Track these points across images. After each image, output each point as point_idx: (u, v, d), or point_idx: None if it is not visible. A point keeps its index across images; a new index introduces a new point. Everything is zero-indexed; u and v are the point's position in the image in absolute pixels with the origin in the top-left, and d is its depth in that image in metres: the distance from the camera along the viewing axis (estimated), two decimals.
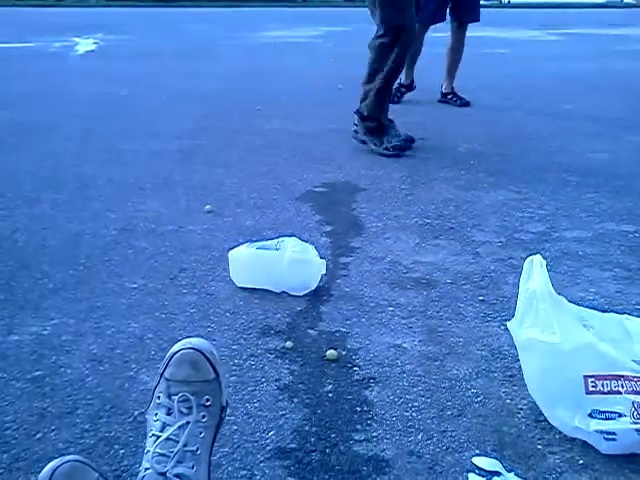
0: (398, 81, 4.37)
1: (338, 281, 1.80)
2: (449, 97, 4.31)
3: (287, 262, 1.70)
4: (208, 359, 1.03)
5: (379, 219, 2.26)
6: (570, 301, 1.29)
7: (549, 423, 1.21)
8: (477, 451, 1.15)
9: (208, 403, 1.00)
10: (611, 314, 1.33)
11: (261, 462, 1.12)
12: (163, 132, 3.53)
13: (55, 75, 5.71)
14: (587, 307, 1.63)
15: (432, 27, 4.18)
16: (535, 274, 1.24)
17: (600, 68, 5.99)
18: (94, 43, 8.21)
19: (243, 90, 4.97)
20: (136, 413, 1.23)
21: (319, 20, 11.72)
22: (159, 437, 0.96)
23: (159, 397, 1.00)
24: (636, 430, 1.11)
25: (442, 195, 2.50)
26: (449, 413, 1.25)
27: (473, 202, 2.43)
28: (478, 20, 4.23)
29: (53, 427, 1.20)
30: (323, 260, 1.76)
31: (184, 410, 0.98)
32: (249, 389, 1.32)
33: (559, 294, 1.25)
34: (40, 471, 0.89)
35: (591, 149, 3.16)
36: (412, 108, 4.28)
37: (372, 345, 1.48)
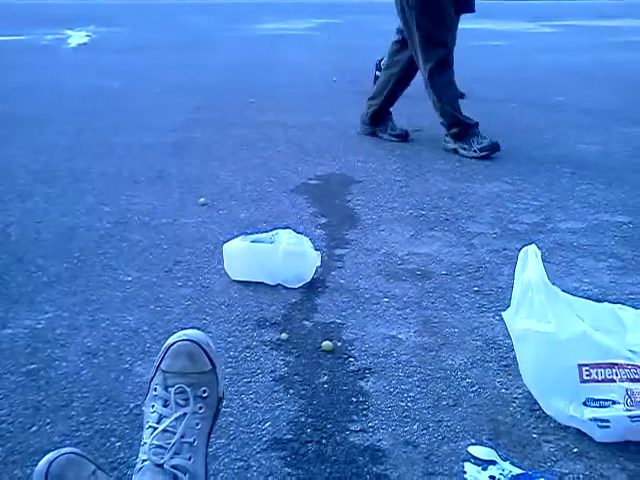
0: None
1: (333, 273, 1.80)
2: None
3: (282, 254, 1.70)
4: (205, 350, 1.03)
5: (374, 211, 2.26)
6: (564, 291, 1.30)
7: (544, 412, 1.22)
8: (473, 440, 1.15)
9: (205, 394, 1.00)
10: (605, 304, 1.34)
11: (257, 453, 1.12)
12: (156, 125, 3.51)
13: (47, 68, 5.66)
14: (581, 297, 1.64)
15: None
16: (530, 264, 1.25)
17: (594, 60, 5.99)
18: (87, 36, 8.15)
19: (237, 82, 4.95)
20: (132, 405, 1.23)
21: (313, 12, 11.67)
22: (156, 429, 0.96)
23: (156, 389, 1.00)
24: (629, 417, 1.12)
25: (437, 187, 2.50)
26: (444, 403, 1.26)
27: (468, 194, 2.44)
28: (473, 11, 4.21)
29: (48, 420, 1.20)
30: (318, 252, 1.76)
31: (181, 402, 0.98)
32: (245, 381, 1.32)
33: (554, 284, 1.26)
34: (36, 464, 0.89)
35: (585, 141, 3.17)
36: (407, 100, 4.27)
37: (367, 336, 1.49)
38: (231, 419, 1.20)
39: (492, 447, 1.14)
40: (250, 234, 1.83)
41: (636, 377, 1.16)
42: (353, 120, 3.65)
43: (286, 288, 1.71)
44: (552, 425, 1.19)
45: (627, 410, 1.13)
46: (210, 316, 1.57)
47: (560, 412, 1.19)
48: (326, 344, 1.43)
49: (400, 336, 1.49)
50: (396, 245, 1.98)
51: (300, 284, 1.72)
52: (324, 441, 1.15)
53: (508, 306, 1.26)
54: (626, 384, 1.15)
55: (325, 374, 1.35)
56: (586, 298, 1.63)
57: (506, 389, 1.30)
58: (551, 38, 7.99)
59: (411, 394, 1.28)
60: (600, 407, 1.14)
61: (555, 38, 7.99)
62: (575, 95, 4.31)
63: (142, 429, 0.99)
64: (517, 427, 1.19)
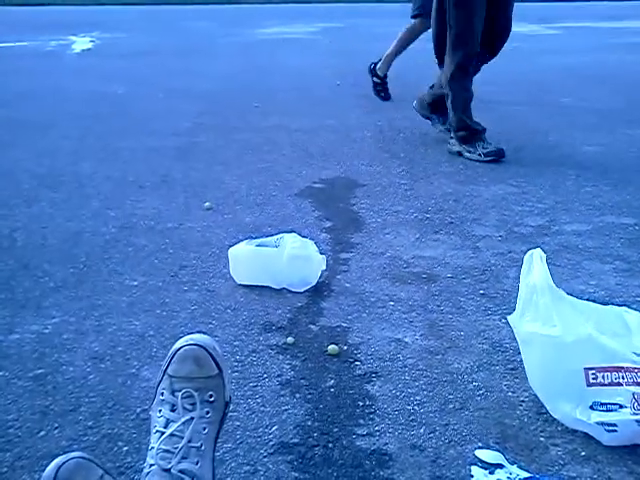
0: (379, 80, 4.36)
1: (338, 277, 1.80)
2: None
3: (287, 258, 1.70)
4: (211, 355, 1.03)
5: (379, 214, 2.27)
6: (570, 294, 1.30)
7: (551, 415, 1.21)
8: (480, 444, 1.15)
9: (212, 399, 1.00)
10: (610, 307, 1.33)
11: (264, 457, 1.12)
12: (160, 130, 3.53)
13: (51, 73, 5.69)
14: (587, 300, 1.64)
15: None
16: (535, 268, 1.25)
17: (599, 61, 5.99)
18: (90, 41, 8.19)
19: (240, 87, 4.96)
20: (139, 410, 1.24)
21: (315, 16, 11.71)
22: (163, 433, 0.96)
23: (162, 393, 1.00)
24: (636, 421, 1.12)
25: (442, 190, 2.50)
26: (451, 406, 1.25)
27: (473, 196, 2.43)
28: None
29: (56, 425, 1.20)
30: (323, 256, 1.76)
31: (188, 406, 0.98)
32: (251, 385, 1.32)
33: (559, 287, 1.26)
34: (44, 469, 0.89)
35: (590, 142, 3.16)
36: (411, 103, 4.27)
37: (373, 340, 1.49)
38: (238, 423, 1.20)
39: (499, 450, 1.13)
40: (255, 238, 1.84)
41: None
42: (356, 123, 3.67)
43: (292, 292, 1.71)
44: (559, 428, 1.19)
45: (634, 414, 1.13)
46: (216, 320, 1.57)
47: (567, 416, 1.18)
48: (332, 348, 1.44)
49: (406, 339, 1.49)
50: (401, 248, 1.98)
51: (305, 288, 1.72)
52: (331, 445, 1.15)
53: (514, 309, 1.26)
54: (633, 388, 1.15)
55: (331, 378, 1.35)
56: (592, 301, 1.63)
57: (513, 392, 1.30)
58: (555, 40, 7.99)
59: (417, 398, 1.28)
60: (607, 411, 1.14)
61: (559, 40, 7.98)
62: (580, 96, 4.30)
63: (149, 433, 0.99)
64: (524, 430, 1.19)
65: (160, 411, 0.99)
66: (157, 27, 10.55)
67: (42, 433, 1.18)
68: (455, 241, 2.04)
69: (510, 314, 1.27)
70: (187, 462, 0.94)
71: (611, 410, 1.15)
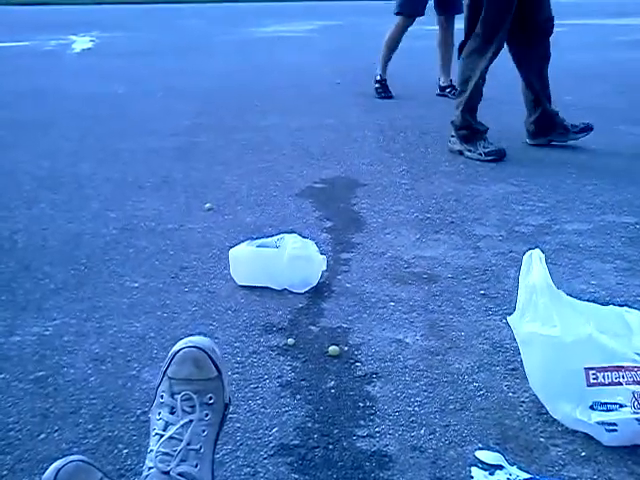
0: (377, 77, 4.36)
1: (339, 277, 1.80)
2: (447, 90, 4.29)
3: (287, 259, 1.70)
4: (210, 357, 1.03)
5: (379, 214, 2.26)
6: (570, 294, 1.30)
7: (551, 416, 1.21)
8: (480, 445, 1.15)
9: (211, 401, 1.00)
10: (610, 307, 1.33)
11: (264, 459, 1.12)
12: (160, 130, 3.52)
13: (51, 73, 5.69)
14: (588, 300, 1.64)
15: (420, 20, 4.19)
16: (534, 268, 1.25)
17: (602, 59, 5.97)
18: (90, 41, 8.19)
19: (239, 86, 4.96)
20: (139, 412, 1.24)
21: (313, 14, 11.70)
22: (162, 436, 0.96)
23: (162, 396, 1.00)
24: (637, 419, 1.12)
25: (442, 189, 2.50)
26: (451, 407, 1.25)
27: (473, 196, 2.43)
28: (461, 12, 4.22)
29: (56, 427, 1.20)
30: (324, 256, 1.76)
31: (187, 409, 0.98)
32: (251, 386, 1.32)
33: (560, 287, 1.25)
34: (44, 472, 0.89)
35: (591, 141, 3.15)
36: (411, 102, 4.27)
37: (374, 340, 1.49)
38: (238, 425, 1.20)
39: (499, 451, 1.13)
40: (256, 239, 1.84)
41: None
42: (357, 122, 3.66)
43: (292, 293, 1.71)
44: (559, 429, 1.19)
45: (634, 413, 1.13)
46: (217, 322, 1.57)
47: (567, 416, 1.18)
48: (333, 349, 1.43)
49: (407, 340, 1.49)
50: (402, 249, 1.98)
51: (306, 289, 1.72)
52: (331, 447, 1.15)
53: (515, 309, 1.26)
54: (633, 387, 1.15)
55: (332, 379, 1.35)
56: (593, 300, 1.63)
57: (513, 393, 1.30)
58: (559, 37, 7.98)
59: (418, 399, 1.28)
60: (607, 411, 1.14)
61: (563, 37, 7.96)
62: (581, 94, 4.29)
63: (149, 436, 0.99)
64: (524, 431, 1.19)
65: (159, 414, 0.99)
66: (155, 26, 10.55)
67: (42, 436, 1.18)
68: (456, 241, 2.03)
69: (511, 314, 1.27)
70: (186, 465, 0.94)
71: (611, 410, 1.15)
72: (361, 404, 1.27)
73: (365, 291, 1.72)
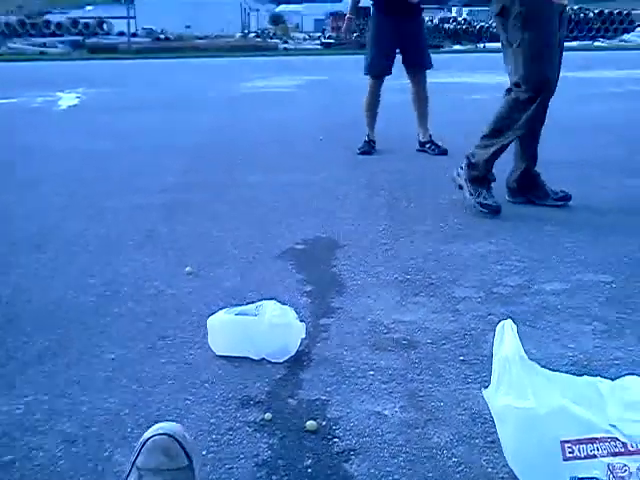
0: (366, 137, 4.43)
1: (318, 344, 1.79)
2: (427, 146, 4.37)
3: (266, 327, 1.69)
4: (181, 444, 1.02)
5: (359, 276, 2.27)
6: (549, 359, 1.30)
7: None
8: None
9: None
10: (585, 377, 1.33)
11: None
12: (146, 187, 3.55)
13: (38, 130, 5.75)
14: (566, 364, 1.64)
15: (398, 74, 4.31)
16: (506, 339, 1.25)
17: (578, 111, 6.14)
18: (77, 97, 8.31)
19: (225, 142, 5.03)
20: None
21: (298, 69, 12.00)
22: None
23: None
24: None
25: (422, 250, 2.51)
26: None
27: (452, 255, 2.45)
28: (430, 67, 4.35)
29: None
30: (303, 323, 1.75)
31: None
32: (227, 467, 1.29)
33: (538, 351, 1.26)
34: None
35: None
36: (392, 157, 4.34)
37: (352, 413, 1.47)
38: None
39: None
40: (235, 306, 1.83)
41: (616, 450, 1.15)
42: (340, 178, 3.71)
43: (271, 362, 1.69)
44: None
45: None
46: (193, 395, 1.55)
47: None
48: (310, 424, 1.41)
49: (385, 412, 1.47)
50: (381, 312, 1.98)
51: (285, 358, 1.70)
52: None
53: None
54: (607, 459, 1.14)
55: (309, 457, 1.32)
56: (571, 365, 1.64)
57: (492, 468, 1.28)
58: None
59: (396, 476, 1.26)
60: None
61: None
62: (558, 147, 4.39)
63: None
64: None
65: None
66: (142, 82, 10.74)
67: None
68: (435, 304, 2.04)
69: (488, 382, 1.27)
70: None
71: None
72: None
73: (344, 359, 1.71)
